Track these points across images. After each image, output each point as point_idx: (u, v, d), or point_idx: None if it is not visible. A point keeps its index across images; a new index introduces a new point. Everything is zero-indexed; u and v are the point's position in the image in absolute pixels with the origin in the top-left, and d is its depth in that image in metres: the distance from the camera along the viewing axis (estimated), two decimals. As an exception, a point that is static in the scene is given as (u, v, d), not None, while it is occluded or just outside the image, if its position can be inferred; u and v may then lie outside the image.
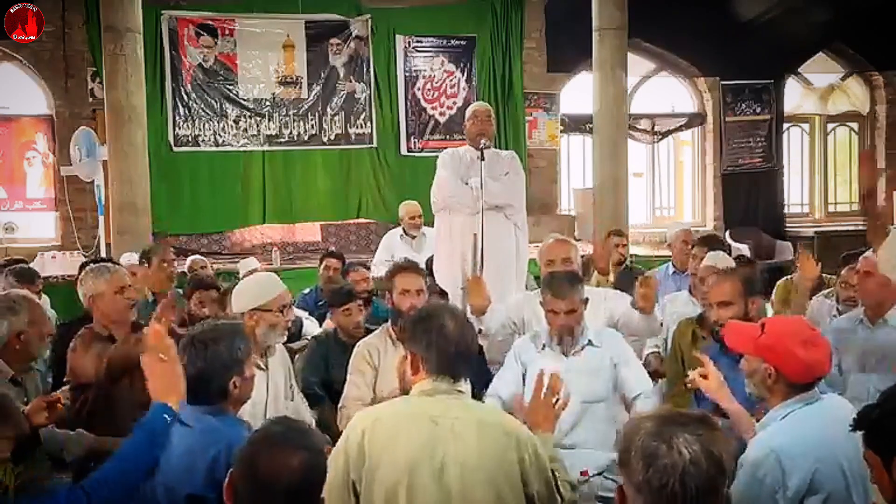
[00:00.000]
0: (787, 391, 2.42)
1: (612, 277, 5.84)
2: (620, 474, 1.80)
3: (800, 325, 2.55)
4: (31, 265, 6.18)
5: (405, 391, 2.56)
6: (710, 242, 5.03)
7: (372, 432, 2.33)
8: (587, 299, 3.62)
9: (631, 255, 7.06)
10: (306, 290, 6.12)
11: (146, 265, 5.41)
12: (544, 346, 3.62)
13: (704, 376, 2.86)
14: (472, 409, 2.42)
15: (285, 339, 3.55)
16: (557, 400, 2.72)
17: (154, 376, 2.33)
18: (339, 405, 3.79)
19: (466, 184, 5.10)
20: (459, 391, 2.43)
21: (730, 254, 5.14)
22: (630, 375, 3.59)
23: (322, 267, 6.11)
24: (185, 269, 6.25)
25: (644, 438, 1.72)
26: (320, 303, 5.88)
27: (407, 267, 4.01)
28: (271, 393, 3.38)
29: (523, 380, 3.63)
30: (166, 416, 2.27)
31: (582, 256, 5.04)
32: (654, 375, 4.32)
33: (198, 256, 6.64)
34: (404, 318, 3.70)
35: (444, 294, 4.33)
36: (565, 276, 3.61)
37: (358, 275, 5.59)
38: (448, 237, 5.19)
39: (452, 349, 2.42)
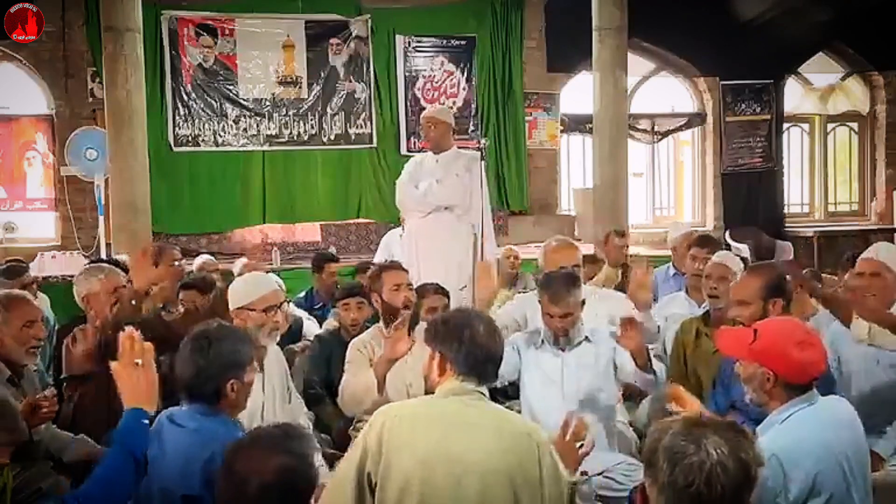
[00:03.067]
0: (787, 394, 2.40)
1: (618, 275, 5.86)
2: (645, 475, 1.78)
3: (793, 326, 2.54)
4: (31, 265, 6.21)
5: (430, 391, 2.57)
6: (708, 243, 5.01)
7: (392, 428, 2.34)
8: (584, 301, 3.62)
9: (631, 255, 7.08)
10: (301, 294, 6.11)
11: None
12: (542, 341, 3.64)
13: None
14: (493, 412, 2.45)
15: (276, 340, 3.54)
16: (581, 445, 2.63)
17: (125, 382, 2.29)
18: (340, 388, 3.79)
19: (416, 187, 5.27)
20: (481, 393, 2.46)
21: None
22: (629, 357, 3.59)
23: (325, 273, 6.05)
24: (194, 269, 6.22)
25: (671, 438, 1.71)
26: (316, 306, 5.89)
27: (391, 265, 4.12)
28: (268, 395, 3.37)
29: (520, 377, 3.65)
30: (143, 421, 2.26)
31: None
32: None
33: (208, 258, 6.58)
34: (407, 315, 3.77)
35: (445, 292, 4.33)
36: (562, 279, 3.60)
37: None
38: (408, 239, 5.29)
39: (481, 352, 2.45)
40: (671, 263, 5.89)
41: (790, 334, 2.43)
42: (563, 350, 3.60)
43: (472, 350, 2.45)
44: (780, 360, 2.38)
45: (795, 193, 11.21)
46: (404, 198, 5.41)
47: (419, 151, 9.73)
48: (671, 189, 11.12)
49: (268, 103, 9.50)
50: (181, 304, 4.73)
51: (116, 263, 5.00)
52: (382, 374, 3.51)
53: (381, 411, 2.44)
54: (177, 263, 5.27)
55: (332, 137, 9.71)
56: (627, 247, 6.82)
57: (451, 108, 9.94)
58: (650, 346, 4.70)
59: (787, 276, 3.62)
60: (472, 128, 9.80)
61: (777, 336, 2.42)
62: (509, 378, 3.67)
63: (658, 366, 3.65)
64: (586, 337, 3.62)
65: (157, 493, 2.39)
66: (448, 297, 4.34)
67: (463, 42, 9.97)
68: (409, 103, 9.87)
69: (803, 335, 2.44)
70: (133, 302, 3.54)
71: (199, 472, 2.31)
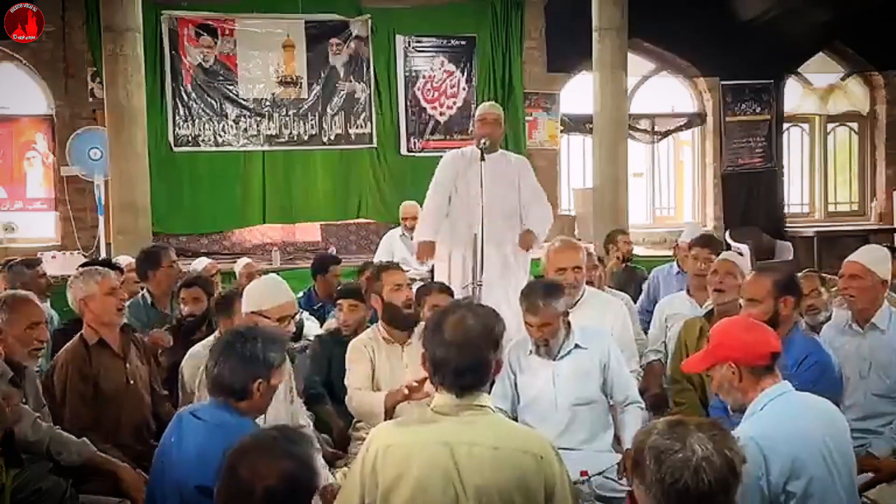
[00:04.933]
0: (755, 378, 2.48)
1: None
2: (632, 478, 1.80)
3: (736, 318, 2.79)
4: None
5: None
6: (710, 243, 5.00)
7: (385, 456, 2.23)
8: (567, 312, 3.60)
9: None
10: (300, 294, 6.10)
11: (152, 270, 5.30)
12: (531, 351, 3.62)
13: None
14: (490, 432, 2.23)
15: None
16: None
17: None
18: (348, 396, 3.81)
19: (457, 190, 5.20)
20: (480, 406, 2.26)
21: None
22: (618, 379, 3.60)
23: (329, 274, 6.03)
24: (199, 271, 6.18)
25: (656, 437, 1.76)
26: (315, 306, 5.90)
27: (390, 264, 4.14)
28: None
29: (516, 387, 3.65)
30: None
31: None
32: (656, 398, 4.30)
33: (209, 262, 6.55)
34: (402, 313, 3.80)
35: (449, 291, 4.34)
36: (541, 289, 3.54)
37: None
38: (446, 239, 5.23)
39: (451, 360, 2.23)
40: (675, 262, 5.91)
41: (735, 324, 2.64)
42: (553, 359, 3.56)
43: (437, 356, 2.25)
44: (735, 347, 2.50)
45: (795, 193, 11.21)
46: (425, 211, 5.37)
47: (419, 151, 9.78)
48: (671, 189, 11.12)
49: (268, 103, 9.50)
50: (182, 303, 4.73)
51: (111, 264, 5.02)
52: (392, 406, 3.52)
53: (374, 436, 2.32)
54: (174, 265, 5.32)
55: (332, 137, 9.71)
56: (631, 244, 6.91)
57: (451, 108, 9.99)
58: (653, 355, 4.73)
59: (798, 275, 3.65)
60: (472, 128, 9.77)
61: (725, 330, 2.59)
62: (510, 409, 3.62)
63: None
64: (577, 344, 3.58)
65: (172, 483, 2.41)
66: (452, 296, 4.33)
67: (463, 42, 9.97)
68: (409, 103, 9.87)
69: (748, 322, 2.67)
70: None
71: (214, 465, 2.33)
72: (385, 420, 3.41)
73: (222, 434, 2.39)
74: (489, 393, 2.35)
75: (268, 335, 2.63)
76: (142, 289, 5.28)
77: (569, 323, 3.61)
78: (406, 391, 3.42)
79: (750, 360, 2.47)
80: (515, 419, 3.48)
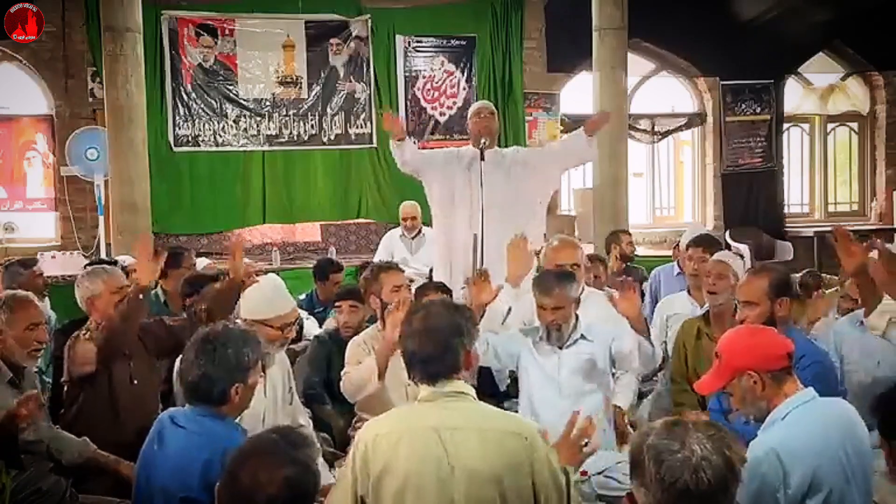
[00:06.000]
0: (778, 385, 2.43)
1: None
2: (631, 479, 1.80)
3: (738, 328, 2.72)
4: (32, 265, 6.23)
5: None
6: (703, 242, 4.98)
7: (374, 447, 2.28)
8: (578, 299, 3.63)
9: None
10: (302, 295, 6.10)
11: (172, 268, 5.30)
12: (540, 338, 3.65)
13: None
14: (474, 416, 2.32)
15: (284, 348, 3.55)
16: (587, 443, 2.51)
17: None
18: (342, 379, 3.78)
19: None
20: (457, 392, 2.34)
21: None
22: (620, 354, 3.63)
23: (329, 282, 6.01)
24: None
25: (655, 438, 1.76)
26: (317, 309, 5.90)
27: (389, 265, 4.13)
28: (269, 398, 3.37)
29: (517, 370, 3.70)
30: None
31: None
32: None
33: (207, 262, 6.55)
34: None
35: (447, 291, 4.33)
36: (555, 274, 3.63)
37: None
38: (443, 237, 5.23)
39: (417, 350, 2.37)
40: (676, 262, 5.90)
41: (740, 333, 2.58)
42: (560, 348, 3.61)
43: (406, 348, 2.41)
44: (750, 355, 2.45)
45: (795, 193, 11.21)
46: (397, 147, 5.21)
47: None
48: (671, 189, 11.12)
49: (268, 103, 9.50)
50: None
51: (115, 265, 5.03)
52: (384, 362, 3.51)
53: (362, 432, 2.37)
54: (191, 269, 5.37)
55: (332, 137, 9.71)
56: (634, 245, 6.94)
57: (451, 108, 9.99)
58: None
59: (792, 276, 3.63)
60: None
61: (732, 341, 2.53)
62: (507, 364, 3.70)
63: (657, 350, 3.67)
64: (582, 335, 3.63)
65: (157, 493, 2.40)
66: (451, 295, 4.33)
67: (463, 42, 9.97)
68: (409, 103, 9.87)
69: (749, 329, 2.68)
70: (140, 296, 3.54)
71: (197, 474, 2.32)
72: (380, 380, 3.51)
73: (203, 441, 2.40)
74: (469, 382, 2.41)
75: (238, 337, 2.60)
76: (156, 285, 5.31)
77: (577, 315, 3.65)
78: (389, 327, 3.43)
79: (769, 365, 2.42)
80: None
